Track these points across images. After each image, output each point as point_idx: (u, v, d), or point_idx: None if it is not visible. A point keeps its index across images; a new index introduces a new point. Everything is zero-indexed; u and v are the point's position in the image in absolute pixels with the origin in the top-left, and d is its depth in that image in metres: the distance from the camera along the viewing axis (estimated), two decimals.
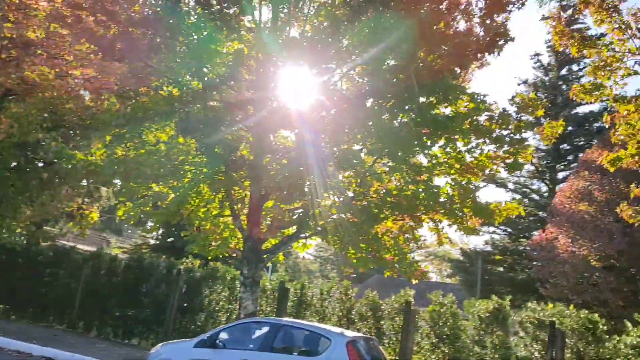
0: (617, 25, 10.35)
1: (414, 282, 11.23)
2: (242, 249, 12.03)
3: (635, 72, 10.50)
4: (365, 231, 11.04)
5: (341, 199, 11.70)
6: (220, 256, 13.42)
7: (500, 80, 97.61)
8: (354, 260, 11.10)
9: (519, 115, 11.50)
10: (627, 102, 10.62)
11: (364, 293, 15.00)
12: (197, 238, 12.82)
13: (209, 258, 13.46)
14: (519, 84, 41.52)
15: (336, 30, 10.48)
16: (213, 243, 12.95)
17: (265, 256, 12.02)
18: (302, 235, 12.24)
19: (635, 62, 10.43)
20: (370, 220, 11.12)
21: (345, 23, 10.37)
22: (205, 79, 11.36)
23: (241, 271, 11.86)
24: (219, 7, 10.89)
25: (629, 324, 11.25)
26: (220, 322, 14.90)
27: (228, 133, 11.54)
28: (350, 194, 12.11)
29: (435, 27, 10.79)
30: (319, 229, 11.61)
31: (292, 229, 12.44)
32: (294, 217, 12.04)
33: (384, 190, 11.95)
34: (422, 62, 11.02)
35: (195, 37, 11.10)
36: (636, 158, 10.71)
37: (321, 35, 10.64)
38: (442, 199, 11.36)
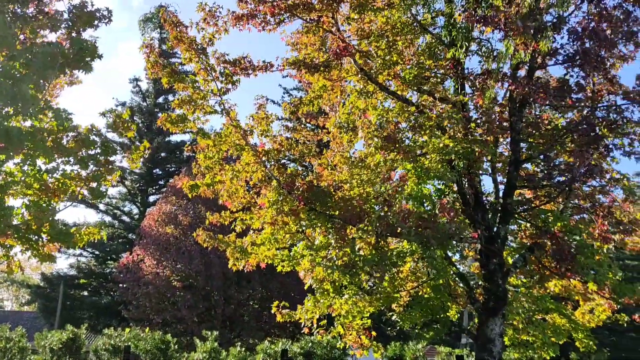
0: (203, 66, 11.21)
1: None
2: None
3: (216, 111, 11.55)
4: None
5: None
6: None
7: (103, 101, 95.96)
8: None
9: (107, 132, 11.25)
10: (207, 137, 11.59)
11: None
12: None
13: None
14: (117, 105, 41.41)
15: None
16: None
17: None
18: None
19: (216, 102, 11.47)
20: None
21: None
22: None
23: None
24: None
25: (197, 341, 12.18)
26: None
27: None
28: None
29: (19, 31, 9.67)
30: None
31: None
32: None
33: None
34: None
35: None
36: (211, 188, 11.75)
37: None
38: (15, 222, 10.16)
